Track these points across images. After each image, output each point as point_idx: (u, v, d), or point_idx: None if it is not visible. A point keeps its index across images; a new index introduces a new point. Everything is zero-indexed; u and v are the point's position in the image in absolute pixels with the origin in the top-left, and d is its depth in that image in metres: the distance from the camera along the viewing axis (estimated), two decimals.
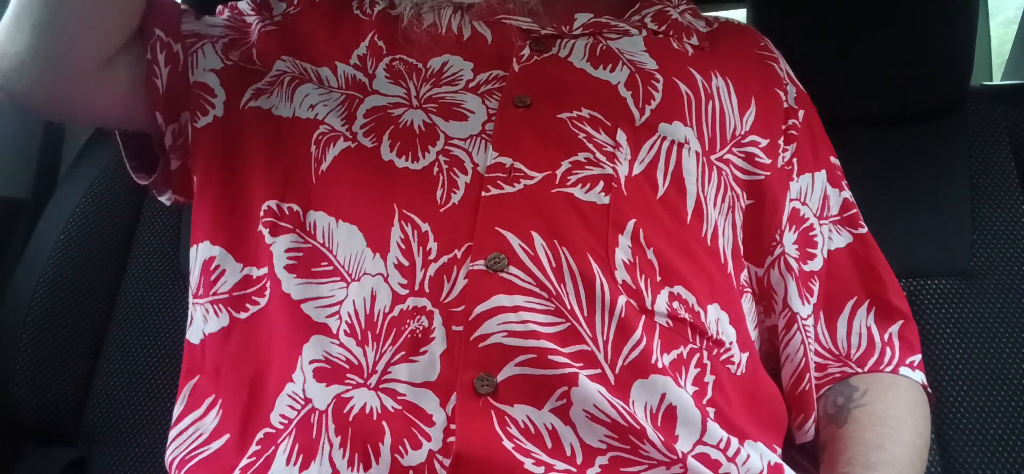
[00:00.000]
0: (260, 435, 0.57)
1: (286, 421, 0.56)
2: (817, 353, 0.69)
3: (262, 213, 0.63)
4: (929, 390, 0.69)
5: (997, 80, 1.26)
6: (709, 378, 0.59)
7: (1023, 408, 0.78)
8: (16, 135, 1.07)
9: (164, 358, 0.93)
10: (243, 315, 0.61)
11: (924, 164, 0.90)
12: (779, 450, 0.63)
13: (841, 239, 0.72)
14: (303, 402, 0.56)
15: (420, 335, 0.55)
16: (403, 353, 0.55)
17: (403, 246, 0.58)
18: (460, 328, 0.54)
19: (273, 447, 0.56)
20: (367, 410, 0.54)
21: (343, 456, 0.53)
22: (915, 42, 0.89)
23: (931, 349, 0.81)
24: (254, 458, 0.56)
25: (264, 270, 0.61)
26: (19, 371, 0.91)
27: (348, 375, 0.56)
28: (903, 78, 0.90)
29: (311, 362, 0.56)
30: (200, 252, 0.65)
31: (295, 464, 0.54)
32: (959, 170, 0.89)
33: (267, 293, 0.61)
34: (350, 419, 0.54)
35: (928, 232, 0.86)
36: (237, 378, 0.60)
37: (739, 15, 1.46)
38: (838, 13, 0.91)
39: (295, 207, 0.62)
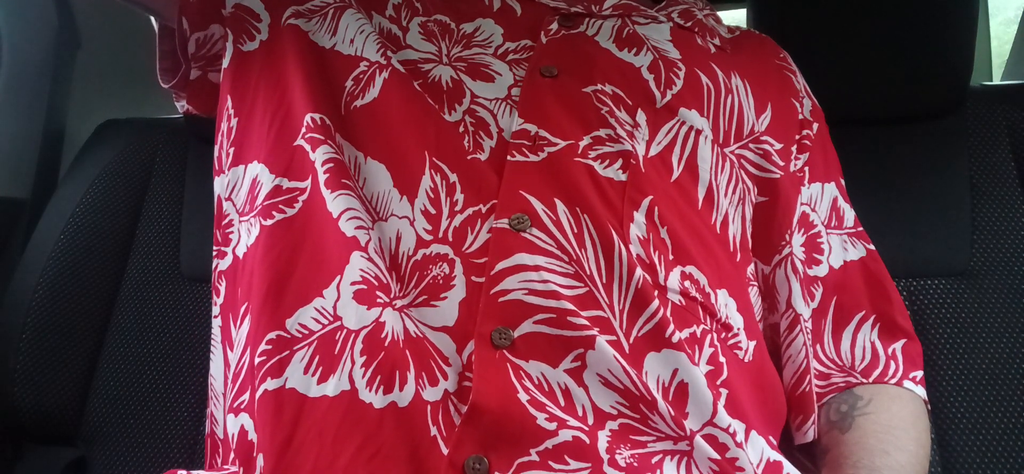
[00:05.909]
0: (272, 336, 0.58)
1: (306, 331, 0.57)
2: (821, 362, 0.69)
3: (304, 126, 0.64)
4: (929, 406, 0.69)
5: (997, 80, 1.26)
6: (722, 359, 0.59)
7: (1023, 408, 0.78)
8: (16, 135, 1.07)
9: (164, 358, 0.93)
10: (269, 222, 0.62)
11: (924, 164, 0.90)
12: (776, 443, 0.63)
13: (855, 252, 0.72)
14: (331, 318, 0.57)
15: (441, 281, 0.56)
16: (424, 297, 0.56)
17: (431, 195, 0.59)
18: (480, 279, 0.55)
19: (288, 352, 0.57)
20: (394, 336, 0.55)
21: (363, 376, 0.54)
22: (915, 42, 0.89)
23: (931, 349, 0.81)
24: (264, 357, 0.57)
25: (305, 183, 0.62)
26: (19, 371, 0.91)
27: (378, 293, 0.57)
28: (903, 78, 0.90)
29: (352, 283, 0.57)
30: (248, 172, 0.66)
31: (313, 375, 0.55)
32: (959, 170, 0.89)
33: (297, 205, 0.62)
34: (385, 344, 0.55)
35: (928, 232, 0.86)
36: (259, 280, 0.61)
37: (739, 15, 1.46)
38: (838, 13, 0.91)
39: (328, 121, 0.64)
